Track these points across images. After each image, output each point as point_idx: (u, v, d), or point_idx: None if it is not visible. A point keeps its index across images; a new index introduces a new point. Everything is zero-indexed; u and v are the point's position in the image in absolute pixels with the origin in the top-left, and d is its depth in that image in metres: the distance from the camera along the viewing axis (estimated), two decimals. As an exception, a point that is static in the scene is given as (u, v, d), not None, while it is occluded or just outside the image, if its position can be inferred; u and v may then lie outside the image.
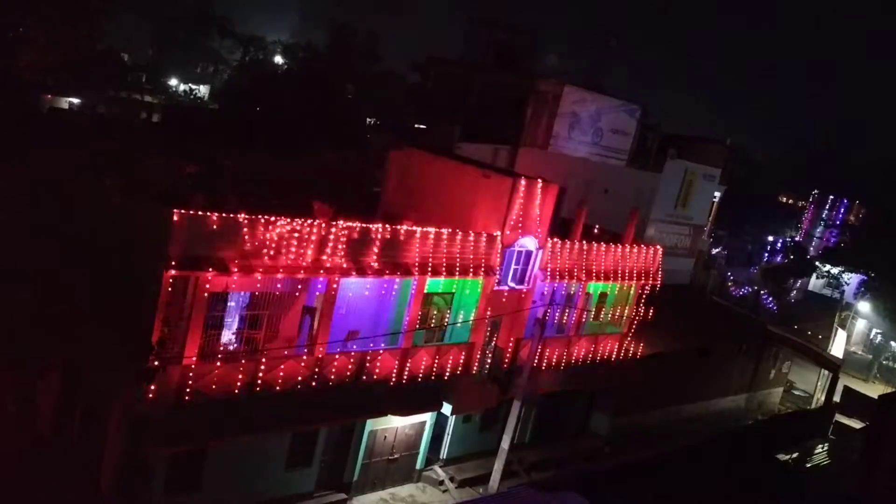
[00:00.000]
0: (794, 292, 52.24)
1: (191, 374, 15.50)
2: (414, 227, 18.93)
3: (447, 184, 22.38)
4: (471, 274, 20.10)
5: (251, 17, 66.06)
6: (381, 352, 18.94)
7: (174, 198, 15.41)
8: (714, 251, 52.64)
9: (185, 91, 54.09)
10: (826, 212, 59.86)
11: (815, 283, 51.47)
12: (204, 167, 23.19)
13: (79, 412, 17.72)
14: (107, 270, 16.16)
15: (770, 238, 57.87)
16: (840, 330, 43.54)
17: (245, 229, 15.54)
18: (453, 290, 20.61)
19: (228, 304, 16.46)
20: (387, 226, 18.34)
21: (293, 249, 16.32)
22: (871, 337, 50.40)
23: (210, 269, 15.08)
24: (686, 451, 28.49)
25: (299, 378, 17.35)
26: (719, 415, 34.16)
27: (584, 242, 23.86)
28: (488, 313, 21.16)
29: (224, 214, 15.33)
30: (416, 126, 37.57)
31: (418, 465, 22.27)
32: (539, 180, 21.46)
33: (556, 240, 22.60)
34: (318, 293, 17.61)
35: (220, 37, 59.06)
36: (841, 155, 68.51)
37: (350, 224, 17.38)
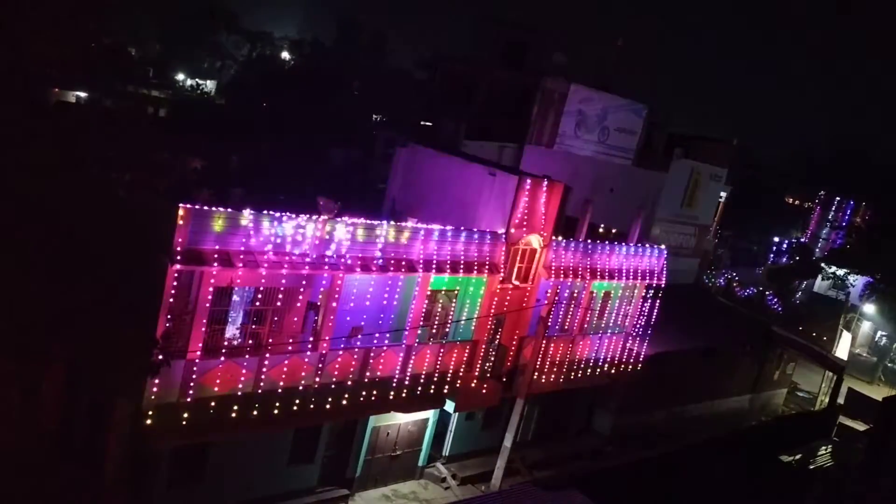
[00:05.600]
0: (799, 293, 52.09)
1: (195, 369, 15.54)
2: (419, 224, 18.93)
3: (453, 181, 22.38)
4: (475, 271, 20.10)
5: (258, 13, 66.19)
6: (384, 348, 18.97)
7: (180, 192, 15.45)
8: (719, 251, 52.52)
9: (191, 86, 54.21)
10: (832, 213, 59.58)
11: (820, 284, 51.29)
12: (210, 162, 23.26)
13: (83, 405, 17.77)
14: (112, 264, 16.20)
15: (776, 239, 57.61)
16: (845, 332, 43.39)
17: (250, 224, 15.57)
18: (457, 288, 20.62)
19: (233, 299, 16.50)
20: (392, 222, 18.35)
21: (298, 245, 16.35)
22: (877, 339, 50.22)
23: (215, 264, 15.11)
24: (688, 451, 28.44)
25: (303, 374, 17.38)
26: (722, 415, 34.09)
27: (589, 241, 23.84)
28: (492, 311, 21.16)
29: (229, 209, 15.36)
30: (422, 123, 37.57)
31: (421, 462, 22.30)
32: (544, 179, 21.45)
33: (560, 238, 22.58)
34: (322, 289, 17.64)
35: (227, 32, 59.17)
36: (848, 156, 68.23)
37: (355, 220, 17.39)
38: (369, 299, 18.52)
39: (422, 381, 20.08)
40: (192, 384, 15.55)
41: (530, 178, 21.08)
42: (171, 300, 14.98)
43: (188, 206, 14.72)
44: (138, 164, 19.21)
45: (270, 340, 16.81)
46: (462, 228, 19.87)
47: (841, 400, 38.39)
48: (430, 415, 21.76)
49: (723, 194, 46.66)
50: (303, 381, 17.38)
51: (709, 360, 31.95)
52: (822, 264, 50.95)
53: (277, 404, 16.99)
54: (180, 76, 57.01)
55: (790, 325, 39.46)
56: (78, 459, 17.37)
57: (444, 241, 19.32)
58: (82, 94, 40.78)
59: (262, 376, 16.62)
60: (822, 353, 38.60)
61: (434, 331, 20.52)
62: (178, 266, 14.72)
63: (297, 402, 17.38)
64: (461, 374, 21.09)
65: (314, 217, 16.68)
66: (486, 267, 20.35)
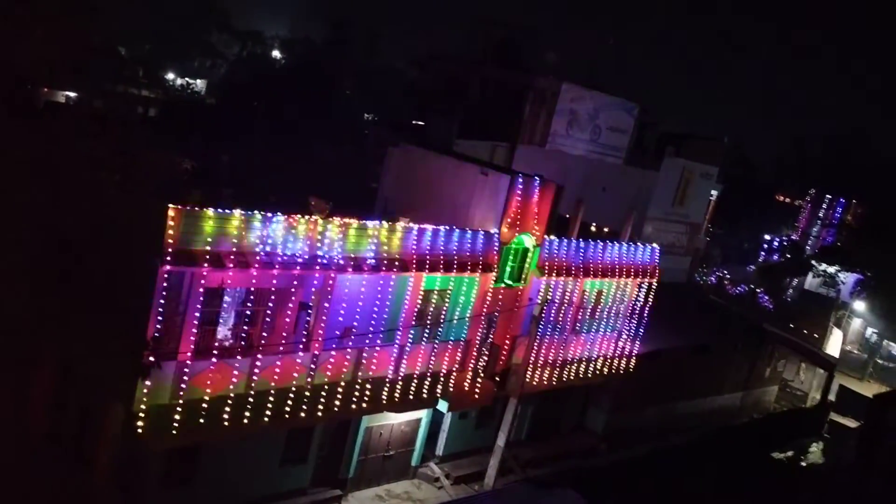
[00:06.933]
0: (791, 291, 52.30)
1: (186, 370, 15.47)
2: (411, 224, 18.90)
3: (445, 180, 22.36)
4: (468, 271, 20.09)
5: (249, 12, 65.94)
6: (377, 348, 18.93)
7: (171, 193, 15.37)
8: (710, 250, 52.70)
9: (182, 85, 53.98)
10: (823, 210, 59.84)
11: (811, 281, 51.51)
12: (200, 162, 23.16)
13: (74, 407, 17.68)
14: (103, 265, 16.10)
15: (767, 236, 57.86)
16: (836, 329, 43.64)
17: (241, 225, 15.50)
18: (450, 288, 20.60)
19: (224, 299, 16.42)
20: (384, 222, 18.31)
21: (289, 245, 16.30)
22: (867, 336, 50.50)
23: (206, 265, 15.04)
24: (681, 448, 28.57)
25: (295, 374, 17.33)
26: (715, 413, 34.24)
27: (581, 240, 23.86)
28: (485, 310, 21.16)
29: (220, 210, 15.30)
30: (414, 122, 37.55)
31: (414, 462, 22.28)
32: (537, 178, 21.45)
33: (552, 237, 22.59)
34: (314, 289, 17.59)
35: (217, 31, 58.95)
36: (839, 154, 68.59)
37: (347, 220, 17.35)
38: (362, 299, 18.47)
39: (414, 380, 20.06)
40: (183, 385, 15.47)
41: (522, 177, 21.08)
42: (162, 301, 14.90)
43: (179, 206, 14.64)
44: (128, 164, 19.09)
45: (262, 341, 16.75)
46: (454, 228, 19.84)
47: (832, 397, 38.63)
48: (423, 414, 21.74)
49: (714, 193, 46.82)
50: (295, 382, 17.33)
51: (701, 357, 32.08)
52: (813, 262, 51.19)
53: (269, 405, 16.94)
54: (170, 75, 56.70)
55: (781, 322, 39.65)
56: (69, 462, 17.27)
57: (437, 241, 19.30)
58: (72, 95, 40.49)
59: (254, 377, 16.56)
60: (813, 351, 38.81)
61: (427, 331, 20.49)
62: (168, 267, 14.64)
63: (290, 402, 17.33)
64: (454, 373, 21.09)
65: (306, 217, 16.63)
66: (479, 266, 20.34)
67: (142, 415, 15.06)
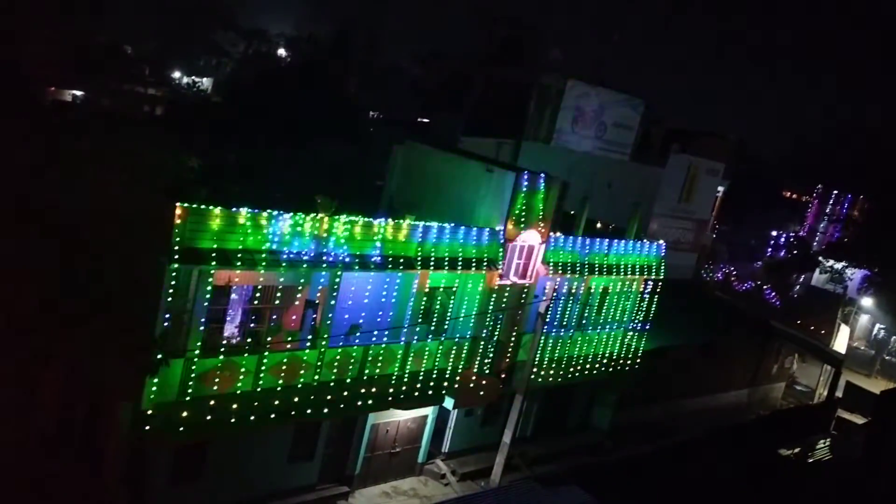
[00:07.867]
0: (797, 287, 52.18)
1: (193, 367, 15.54)
2: (417, 221, 18.93)
3: (450, 178, 22.36)
4: (473, 269, 20.10)
5: (254, 10, 66.00)
6: (383, 346, 18.98)
7: (177, 191, 15.43)
8: (717, 246, 52.63)
9: (188, 84, 54.09)
10: (829, 206, 59.64)
11: (818, 278, 51.41)
12: (207, 160, 23.17)
13: (82, 405, 17.78)
14: (110, 263, 16.19)
15: (773, 233, 57.72)
16: (843, 325, 43.53)
17: (248, 223, 15.56)
18: (456, 285, 20.62)
19: (231, 297, 16.49)
20: (390, 219, 18.34)
21: (296, 243, 16.34)
22: (875, 332, 50.36)
23: (213, 263, 15.11)
24: (687, 445, 28.54)
25: (301, 371, 17.39)
26: (721, 409, 34.20)
27: (587, 237, 23.84)
28: (490, 308, 21.17)
29: (227, 208, 15.35)
30: (419, 120, 37.56)
31: (420, 459, 22.34)
32: (542, 175, 21.44)
33: (558, 234, 22.59)
34: (320, 287, 17.63)
35: (223, 29, 59.04)
36: (845, 149, 68.37)
37: (353, 218, 17.39)
38: (368, 297, 18.51)
39: (420, 378, 20.10)
40: (190, 383, 15.55)
41: (528, 174, 21.06)
42: (170, 299, 14.97)
43: (185, 204, 14.70)
44: (135, 162, 19.16)
45: (269, 339, 16.81)
46: (460, 225, 19.86)
47: (839, 393, 38.52)
48: (429, 412, 21.78)
49: (720, 189, 46.71)
50: (302, 379, 17.39)
51: (707, 354, 32.03)
52: (820, 258, 51.05)
53: (276, 403, 17.00)
54: (176, 74, 56.83)
55: (788, 319, 39.58)
56: (77, 459, 17.38)
57: (442, 238, 19.32)
58: (79, 93, 40.65)
59: (261, 375, 16.63)
60: (820, 347, 38.72)
61: (432, 328, 20.52)
62: (175, 265, 14.70)
63: (296, 400, 17.39)
64: (460, 370, 21.12)
65: (312, 215, 16.67)
66: (485, 263, 20.35)
67: (150, 412, 15.13)
